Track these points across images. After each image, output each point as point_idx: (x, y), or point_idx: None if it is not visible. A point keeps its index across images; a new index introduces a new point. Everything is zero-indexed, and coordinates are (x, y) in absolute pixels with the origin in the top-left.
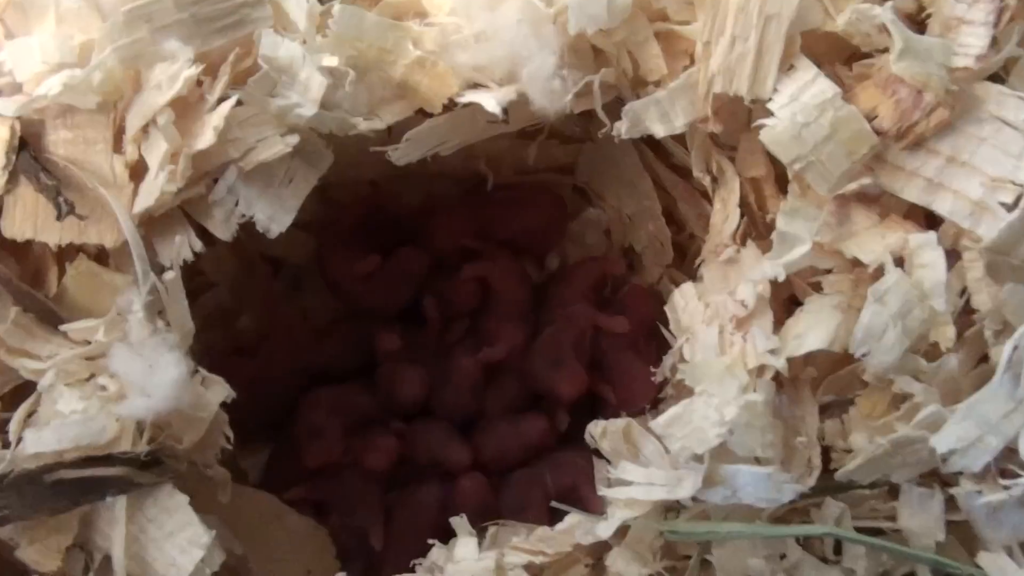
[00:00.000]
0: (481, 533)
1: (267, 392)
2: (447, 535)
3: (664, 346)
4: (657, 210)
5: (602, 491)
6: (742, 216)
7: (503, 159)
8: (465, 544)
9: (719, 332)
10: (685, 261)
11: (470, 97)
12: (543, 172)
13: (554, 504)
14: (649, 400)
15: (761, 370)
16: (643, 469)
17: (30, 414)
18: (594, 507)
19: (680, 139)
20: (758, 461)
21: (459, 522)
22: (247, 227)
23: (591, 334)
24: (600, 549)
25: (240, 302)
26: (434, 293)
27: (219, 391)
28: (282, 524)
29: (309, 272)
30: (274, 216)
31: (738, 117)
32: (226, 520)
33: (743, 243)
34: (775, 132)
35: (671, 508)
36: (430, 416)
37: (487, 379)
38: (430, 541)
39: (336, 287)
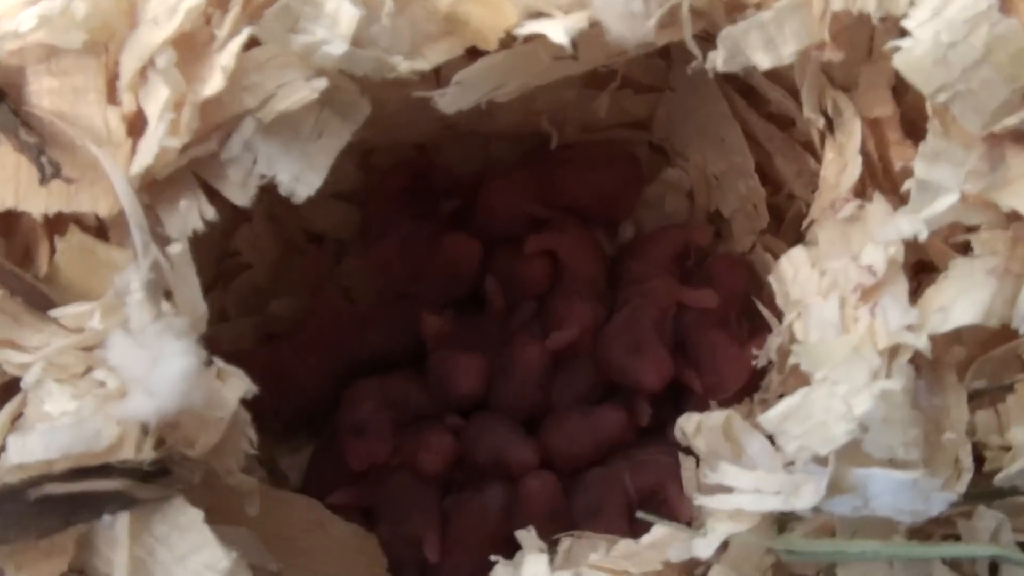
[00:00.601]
0: (552, 546)
1: (305, 384)
2: (510, 545)
3: (757, 327)
4: (749, 167)
5: (699, 499)
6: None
7: (568, 114)
8: (535, 561)
9: (840, 305)
10: (782, 226)
11: (531, 28)
12: (615, 128)
13: (640, 515)
14: (740, 385)
15: (895, 351)
16: (749, 473)
17: (16, 417)
18: (681, 513)
19: (780, 79)
20: (895, 463)
21: (526, 536)
22: (284, 198)
23: (673, 312)
24: (695, 567)
25: (277, 284)
26: (497, 273)
27: (238, 386)
28: (325, 533)
29: (353, 249)
30: (301, 176)
31: (858, 45)
32: (259, 531)
33: (867, 197)
34: (913, 56)
35: (784, 520)
36: (490, 410)
37: (555, 367)
38: (493, 558)
39: (380, 266)
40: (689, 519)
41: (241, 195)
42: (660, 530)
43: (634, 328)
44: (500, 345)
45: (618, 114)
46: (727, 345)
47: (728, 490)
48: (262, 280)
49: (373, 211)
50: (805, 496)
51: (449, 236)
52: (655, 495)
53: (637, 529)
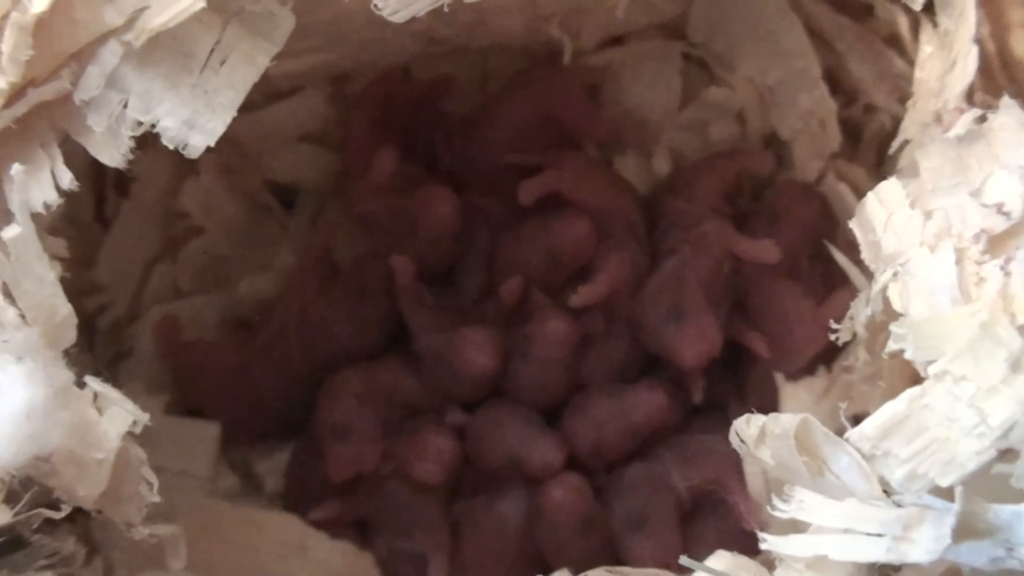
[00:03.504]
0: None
1: (277, 382)
2: (536, 561)
3: (833, 276)
4: (814, 73)
5: (766, 540)
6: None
7: (583, 18)
8: None
9: (957, 261)
10: (859, 148)
11: None
12: (640, 33)
13: (684, 561)
14: (816, 350)
15: None
16: (836, 504)
17: None
18: (747, 517)
19: None
20: None
21: None
22: (239, 145)
23: (730, 263)
24: None
25: (242, 251)
26: (516, 267)
27: (121, 418)
28: (306, 556)
29: (333, 203)
30: (194, 121)
31: None
32: (225, 560)
33: (983, 105)
34: None
35: (887, 573)
36: (501, 399)
37: (584, 342)
38: None
39: (362, 222)
40: (756, 526)
41: (110, 149)
42: (721, 561)
43: (678, 286)
44: (511, 323)
45: (644, 14)
46: (796, 301)
47: (805, 526)
48: (222, 247)
49: (350, 153)
50: (921, 541)
51: (422, 190)
52: (711, 493)
53: (691, 538)
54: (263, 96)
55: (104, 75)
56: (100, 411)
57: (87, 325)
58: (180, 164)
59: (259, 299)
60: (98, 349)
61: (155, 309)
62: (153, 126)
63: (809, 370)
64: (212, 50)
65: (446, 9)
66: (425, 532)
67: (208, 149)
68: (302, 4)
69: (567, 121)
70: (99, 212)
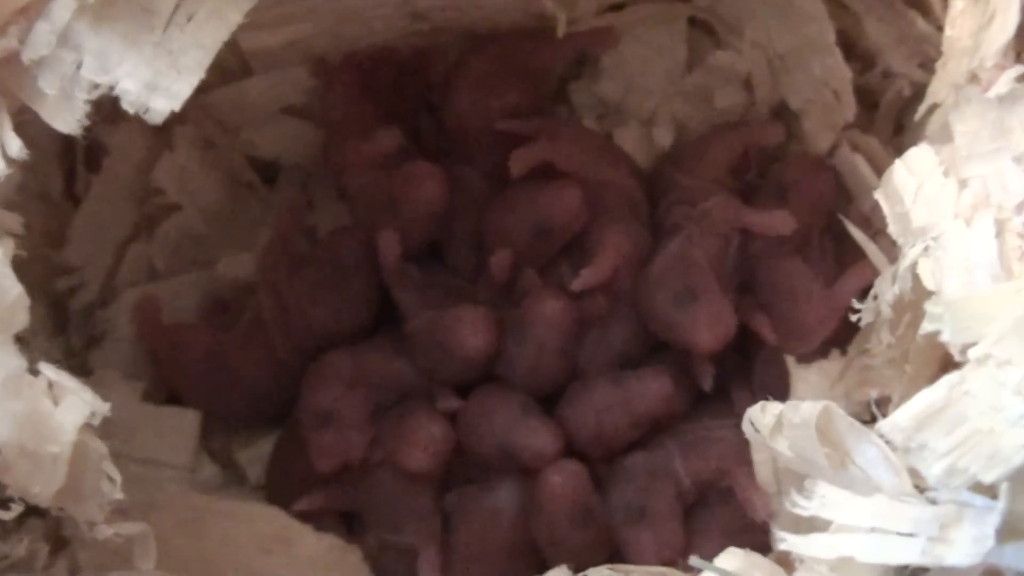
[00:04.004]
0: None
1: (258, 370)
2: (528, 555)
3: (846, 252)
4: (829, 38)
5: (784, 540)
6: None
7: None
8: None
9: (997, 234)
10: (876, 117)
11: None
12: (638, 1)
13: (695, 562)
14: (827, 334)
15: None
16: (863, 500)
17: None
18: (754, 508)
19: None
20: None
21: None
22: (218, 118)
23: (737, 241)
24: None
25: (222, 230)
26: (504, 236)
27: (78, 408)
28: (289, 551)
29: (318, 182)
30: (157, 83)
31: None
32: (205, 555)
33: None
34: None
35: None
36: (495, 384)
37: (583, 324)
38: None
39: (347, 198)
40: (766, 518)
41: (64, 116)
42: (731, 559)
43: (685, 268)
44: (505, 304)
45: None
46: (807, 280)
47: (824, 524)
48: (199, 225)
49: (332, 127)
50: (960, 542)
51: (407, 165)
52: (716, 483)
53: (696, 531)
54: (243, 68)
55: (55, 32)
56: (55, 401)
57: (59, 308)
58: (155, 137)
59: (239, 280)
60: (71, 333)
61: (130, 291)
62: (111, 89)
63: (822, 353)
64: (177, 5)
65: None
66: (415, 524)
67: (184, 122)
68: None
69: (528, 60)
70: (69, 188)
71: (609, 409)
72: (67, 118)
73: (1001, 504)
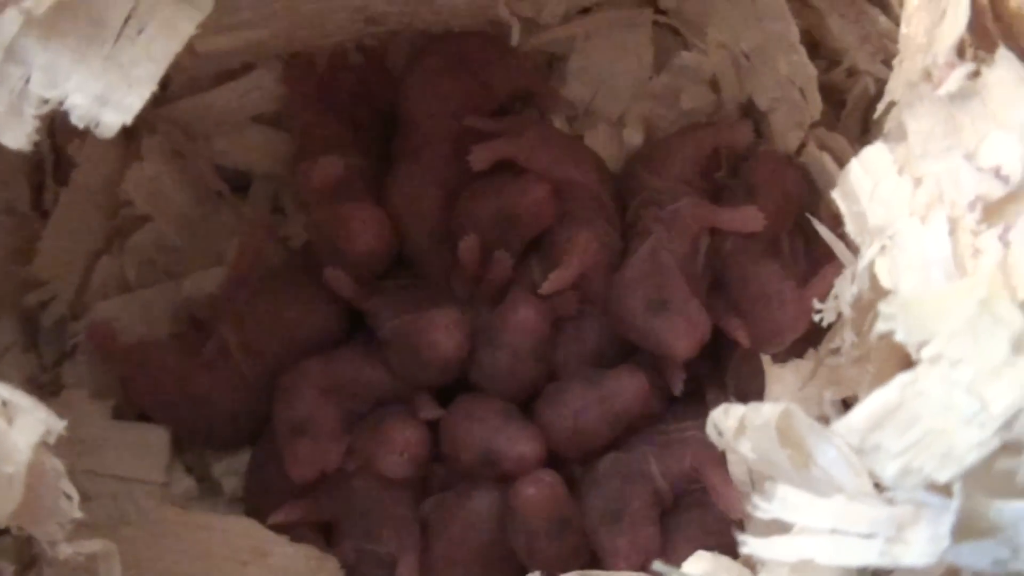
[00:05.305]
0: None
1: (227, 395)
2: (510, 561)
3: (815, 251)
4: (793, 37)
5: (746, 543)
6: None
7: None
8: None
9: (950, 231)
10: (842, 115)
11: None
12: (605, 3)
13: (657, 567)
14: (799, 333)
15: None
16: (823, 502)
17: None
18: (729, 506)
19: None
20: None
21: None
22: (187, 128)
23: (707, 241)
24: None
25: (193, 241)
26: (470, 221)
27: (32, 427)
28: (266, 562)
29: (290, 190)
30: (108, 96)
31: None
32: (180, 570)
33: (976, 60)
34: None
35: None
36: (476, 392)
37: (556, 327)
38: None
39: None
40: (740, 517)
41: (13, 131)
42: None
43: (657, 273)
44: (478, 310)
45: None
46: (779, 280)
47: (789, 527)
48: (171, 237)
49: (297, 133)
50: (917, 542)
51: (347, 207)
52: (692, 483)
53: (673, 531)
54: (210, 77)
55: (2, 47)
56: (9, 420)
57: (30, 323)
58: (124, 149)
59: (209, 296)
60: (43, 348)
61: (101, 304)
62: (61, 103)
63: (797, 352)
64: (128, 18)
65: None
66: (393, 532)
67: (153, 132)
68: None
69: (479, 71)
70: (38, 202)
71: (585, 409)
72: (17, 134)
73: (955, 504)
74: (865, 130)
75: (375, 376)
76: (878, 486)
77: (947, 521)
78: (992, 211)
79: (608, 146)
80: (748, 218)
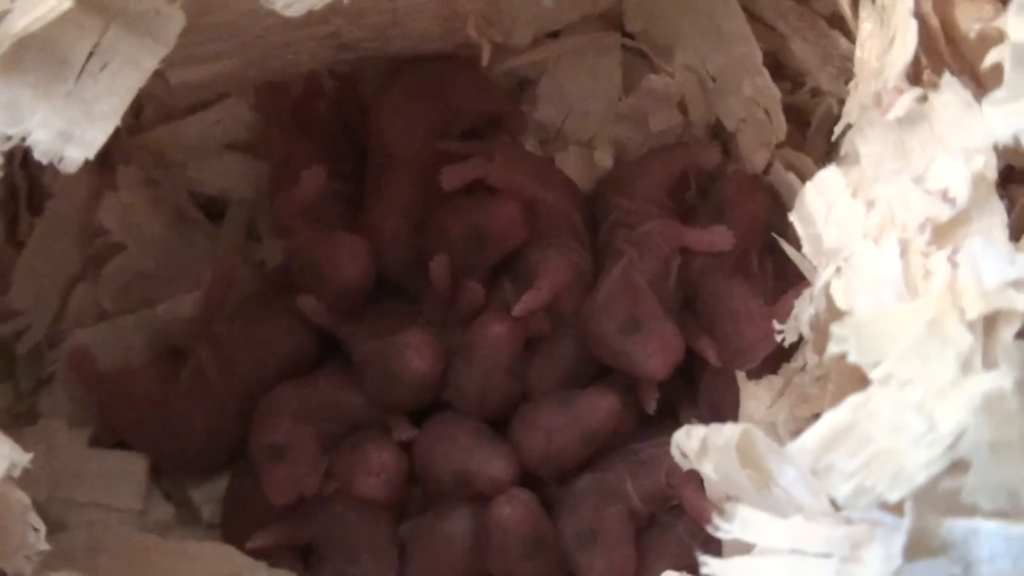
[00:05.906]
0: None
1: (205, 421)
2: None
3: (784, 268)
4: (756, 59)
5: (707, 564)
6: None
7: (506, 13)
8: None
9: (901, 253)
10: (808, 135)
11: None
12: (573, 27)
13: None
14: (769, 350)
15: (993, 321)
16: (782, 522)
17: None
18: (706, 520)
19: None
20: (1010, 511)
21: None
22: (161, 156)
23: (677, 261)
24: None
25: (169, 269)
26: (441, 237)
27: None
28: None
29: (265, 216)
30: (71, 132)
31: None
32: None
33: (929, 84)
34: None
35: None
36: (450, 412)
37: (529, 347)
38: None
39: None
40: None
41: None
42: None
43: (630, 295)
44: (450, 332)
45: (577, 6)
46: (748, 298)
47: (749, 548)
48: (146, 264)
49: (273, 161)
50: (871, 562)
51: (332, 236)
52: (666, 500)
53: (651, 550)
54: (184, 107)
55: None
56: None
57: (5, 352)
58: (98, 177)
59: (185, 322)
60: (19, 377)
61: (78, 332)
62: (23, 140)
63: (771, 368)
64: (91, 54)
65: (345, 1)
66: (372, 555)
67: (128, 161)
68: (195, 4)
69: (449, 95)
70: (12, 232)
71: (558, 429)
72: None
73: (906, 522)
74: (830, 149)
75: (351, 399)
76: (836, 506)
77: (899, 540)
78: (941, 233)
79: (579, 168)
80: (717, 238)
